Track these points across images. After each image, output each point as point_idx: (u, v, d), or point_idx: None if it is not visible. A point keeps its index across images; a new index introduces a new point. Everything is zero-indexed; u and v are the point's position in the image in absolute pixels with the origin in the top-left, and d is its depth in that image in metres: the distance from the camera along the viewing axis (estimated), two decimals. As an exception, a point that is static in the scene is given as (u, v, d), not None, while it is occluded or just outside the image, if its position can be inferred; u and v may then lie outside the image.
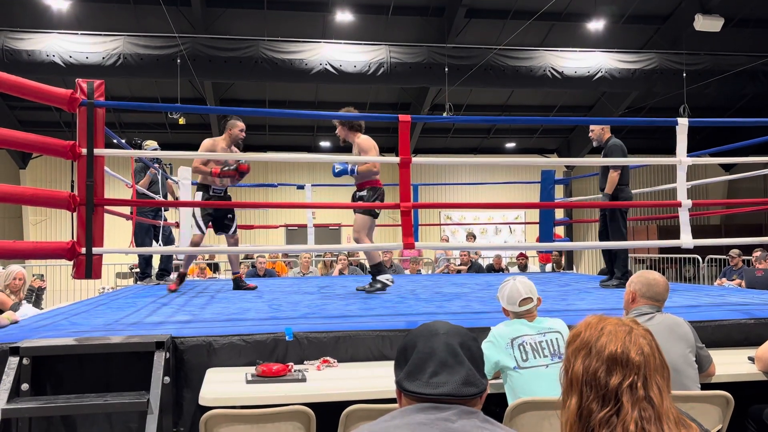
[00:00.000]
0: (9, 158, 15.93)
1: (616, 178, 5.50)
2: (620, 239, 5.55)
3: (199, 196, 5.54)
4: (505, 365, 2.67)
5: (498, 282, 6.04)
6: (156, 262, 7.34)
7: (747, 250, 9.38)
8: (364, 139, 5.17)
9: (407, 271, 10.36)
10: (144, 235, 6.66)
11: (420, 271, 10.87)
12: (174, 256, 7.88)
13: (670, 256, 13.93)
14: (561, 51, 13.16)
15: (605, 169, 5.64)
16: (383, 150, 18.94)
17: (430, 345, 1.35)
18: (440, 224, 16.50)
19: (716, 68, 13.34)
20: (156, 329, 3.21)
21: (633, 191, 7.36)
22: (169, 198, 7.16)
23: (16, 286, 5.84)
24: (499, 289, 2.96)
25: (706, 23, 11.83)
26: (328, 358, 3.04)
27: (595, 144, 5.84)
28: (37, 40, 11.40)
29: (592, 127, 5.85)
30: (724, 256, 10.75)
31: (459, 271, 10.40)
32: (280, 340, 3.07)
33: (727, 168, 17.24)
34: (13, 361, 2.70)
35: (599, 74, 13.07)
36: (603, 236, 5.80)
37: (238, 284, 5.95)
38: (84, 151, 3.36)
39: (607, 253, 6.01)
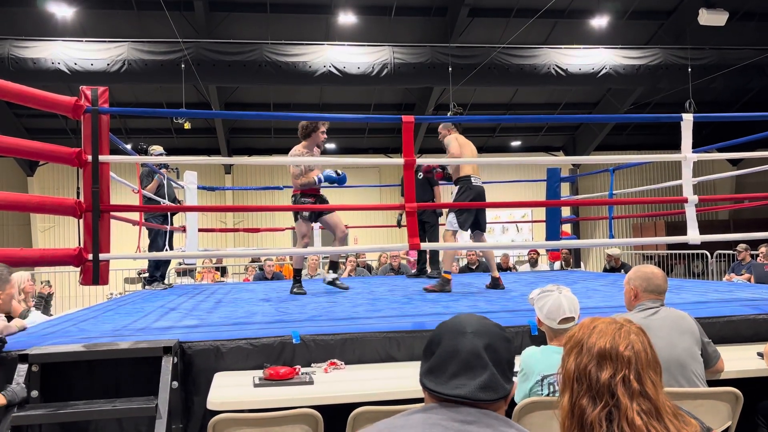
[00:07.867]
0: (16, 166, 16.05)
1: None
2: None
3: None
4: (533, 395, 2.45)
5: (505, 281, 5.93)
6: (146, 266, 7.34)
7: (755, 244, 9.32)
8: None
9: (414, 271, 10.34)
10: (157, 236, 6.67)
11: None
12: (180, 261, 7.90)
13: (678, 252, 13.86)
14: (565, 48, 13.14)
15: None
16: (388, 151, 18.93)
17: (455, 344, 1.31)
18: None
19: (722, 62, 13.28)
20: (164, 334, 3.22)
21: (640, 188, 8.28)
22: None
23: (30, 289, 5.91)
24: (537, 295, 2.60)
25: (711, 17, 11.78)
26: (335, 360, 3.04)
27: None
28: (42, 47, 11.48)
29: (439, 128, 6.17)
30: (732, 251, 10.68)
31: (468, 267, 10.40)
32: (287, 343, 3.08)
33: (735, 163, 17.14)
34: (22, 369, 2.72)
35: (604, 71, 13.04)
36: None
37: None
38: (89, 157, 3.38)
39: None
